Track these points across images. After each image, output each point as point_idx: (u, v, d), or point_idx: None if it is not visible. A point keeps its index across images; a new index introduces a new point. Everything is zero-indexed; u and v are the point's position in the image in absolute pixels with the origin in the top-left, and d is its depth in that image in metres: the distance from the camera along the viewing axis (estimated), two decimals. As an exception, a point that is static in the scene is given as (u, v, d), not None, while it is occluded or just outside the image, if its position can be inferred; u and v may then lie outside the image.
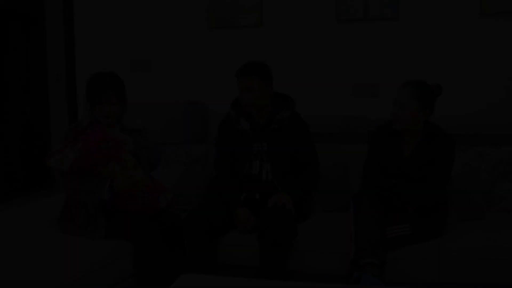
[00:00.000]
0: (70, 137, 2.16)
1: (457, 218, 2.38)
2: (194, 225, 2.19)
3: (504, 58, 2.82)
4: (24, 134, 5.40)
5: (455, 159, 2.26)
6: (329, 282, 2.11)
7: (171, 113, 3.10)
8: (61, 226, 2.25)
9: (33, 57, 5.42)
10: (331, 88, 3.10)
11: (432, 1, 2.89)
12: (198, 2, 3.29)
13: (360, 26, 3.02)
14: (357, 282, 1.91)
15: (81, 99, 3.59)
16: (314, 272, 2.20)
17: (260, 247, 2.11)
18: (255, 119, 2.44)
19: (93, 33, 3.56)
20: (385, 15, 2.94)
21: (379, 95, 3.01)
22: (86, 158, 2.05)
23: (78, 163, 2.04)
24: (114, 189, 2.12)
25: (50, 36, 5.45)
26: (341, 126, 2.80)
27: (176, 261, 2.23)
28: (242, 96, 2.37)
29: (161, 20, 3.38)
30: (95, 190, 2.08)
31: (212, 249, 2.21)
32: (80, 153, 2.03)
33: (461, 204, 2.39)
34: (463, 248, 2.08)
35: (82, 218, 2.16)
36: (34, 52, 5.42)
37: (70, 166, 2.04)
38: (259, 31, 3.19)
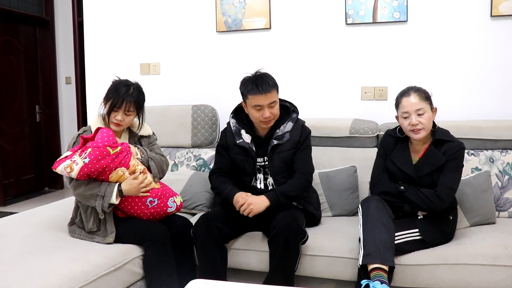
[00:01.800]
0: (78, 144, 2.18)
1: (467, 224, 2.36)
2: (203, 231, 2.19)
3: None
4: (34, 136, 5.45)
5: (465, 164, 2.24)
6: (339, 287, 2.12)
7: (180, 116, 3.10)
8: (71, 230, 2.27)
9: (43, 60, 5.48)
10: (340, 91, 3.10)
11: (441, 4, 2.87)
12: (206, 6, 3.30)
13: (369, 29, 3.01)
14: (365, 289, 1.90)
15: (92, 102, 3.63)
16: (324, 277, 2.21)
17: (270, 251, 2.11)
18: (256, 132, 2.39)
19: (103, 36, 3.59)
20: (394, 18, 2.94)
21: (388, 98, 3.00)
22: (94, 165, 2.05)
23: (87, 170, 2.05)
24: (123, 194, 2.14)
25: (60, 39, 5.51)
26: (350, 130, 2.79)
27: (186, 265, 2.24)
28: (261, 113, 2.24)
29: (170, 24, 3.40)
30: (104, 195, 2.10)
31: (222, 254, 2.20)
32: (89, 160, 2.04)
33: (471, 209, 2.37)
34: (474, 254, 2.06)
35: (92, 223, 2.19)
36: (44, 55, 5.47)
37: (78, 173, 2.05)
38: (268, 34, 3.20)
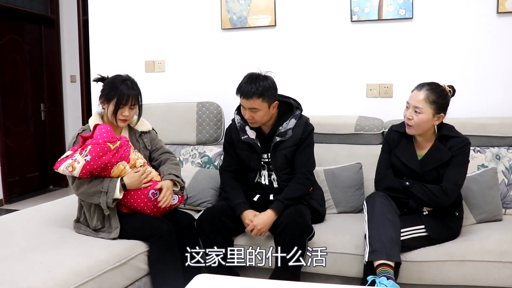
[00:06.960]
0: (78, 143, 2.17)
1: (473, 220, 2.35)
2: (207, 224, 2.19)
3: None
4: (39, 134, 5.46)
5: (471, 160, 2.23)
6: (344, 284, 2.11)
7: (185, 113, 3.10)
8: (76, 227, 2.27)
9: (48, 58, 5.50)
10: (345, 89, 3.09)
11: (446, 1, 2.86)
12: (211, 3, 3.30)
13: (374, 27, 3.00)
14: (371, 285, 1.89)
15: (96, 100, 3.63)
16: (329, 274, 2.20)
17: (276, 247, 2.10)
18: (260, 129, 2.38)
19: (107, 34, 3.59)
20: (399, 15, 2.93)
21: (393, 95, 2.99)
22: (96, 162, 2.05)
23: (89, 168, 2.05)
24: (126, 188, 2.14)
25: (65, 37, 5.52)
26: (355, 127, 2.78)
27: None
28: (244, 112, 2.28)
29: (175, 21, 3.40)
30: (107, 190, 2.10)
31: (228, 246, 2.18)
32: (90, 157, 2.04)
33: (477, 206, 2.36)
34: (480, 250, 2.05)
35: (96, 220, 2.19)
36: (50, 53, 5.49)
37: (81, 171, 2.05)
38: (273, 32, 3.19)
